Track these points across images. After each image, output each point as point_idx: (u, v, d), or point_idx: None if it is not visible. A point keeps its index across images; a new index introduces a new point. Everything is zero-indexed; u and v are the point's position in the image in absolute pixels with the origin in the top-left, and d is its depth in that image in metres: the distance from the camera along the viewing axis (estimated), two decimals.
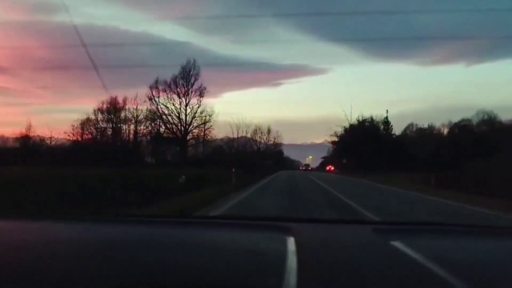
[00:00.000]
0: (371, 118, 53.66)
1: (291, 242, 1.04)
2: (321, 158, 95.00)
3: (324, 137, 66.72)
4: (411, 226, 1.61)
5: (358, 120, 54.39)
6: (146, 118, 49.55)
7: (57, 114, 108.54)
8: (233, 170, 20.85)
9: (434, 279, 0.80)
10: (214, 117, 50.18)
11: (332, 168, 65.67)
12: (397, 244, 1.06)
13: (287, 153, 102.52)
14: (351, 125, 54.51)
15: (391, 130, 53.67)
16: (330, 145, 66.41)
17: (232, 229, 1.41)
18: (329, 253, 1.00)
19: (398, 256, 0.97)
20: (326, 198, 14.16)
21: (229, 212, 9.33)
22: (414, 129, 59.07)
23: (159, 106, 48.73)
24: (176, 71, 49.11)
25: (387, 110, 64.97)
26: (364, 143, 47.37)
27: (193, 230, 1.38)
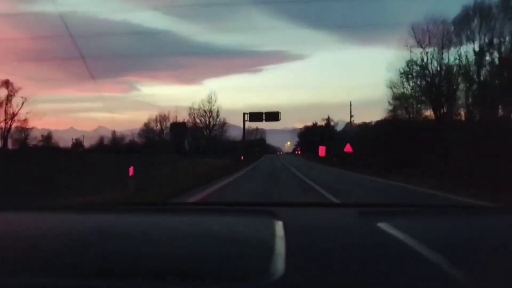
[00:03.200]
0: (328, 117, 78.22)
1: (279, 227, 1.04)
2: (294, 145, 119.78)
3: (305, 123, 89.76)
4: (396, 208, 1.68)
5: (313, 123, 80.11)
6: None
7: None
8: (242, 157, 37.25)
9: (418, 257, 0.82)
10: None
11: (299, 152, 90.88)
12: (383, 225, 1.07)
13: (269, 137, 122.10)
14: (308, 127, 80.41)
15: (336, 127, 78.25)
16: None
17: (219, 214, 1.42)
18: (317, 237, 1.02)
19: (385, 237, 0.99)
20: (280, 162, 40.99)
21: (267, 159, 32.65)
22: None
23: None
24: (160, 60, 65.38)
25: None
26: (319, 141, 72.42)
27: (179, 217, 1.37)
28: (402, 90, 30.80)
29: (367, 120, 50.81)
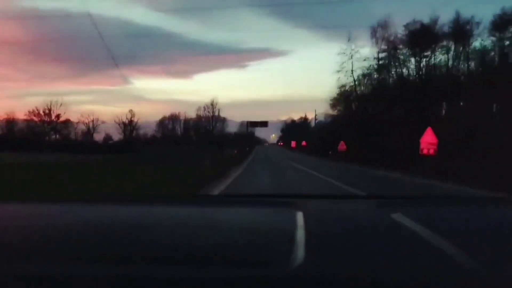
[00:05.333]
0: (305, 115, 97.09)
1: (299, 217, 1.06)
2: (278, 137, 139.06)
3: (289, 115, 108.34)
4: (411, 199, 1.73)
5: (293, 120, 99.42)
6: None
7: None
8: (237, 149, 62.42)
9: (432, 247, 0.84)
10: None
11: (282, 143, 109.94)
12: (398, 216, 1.09)
13: (256, 130, 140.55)
14: (288, 123, 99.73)
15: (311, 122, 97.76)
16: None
17: (239, 206, 1.45)
18: (335, 227, 1.04)
19: (400, 228, 1.01)
20: (268, 150, 61.35)
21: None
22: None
23: None
24: (150, 55, 64.84)
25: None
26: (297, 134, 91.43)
27: (203, 208, 1.40)
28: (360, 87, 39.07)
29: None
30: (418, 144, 16.74)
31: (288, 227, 0.98)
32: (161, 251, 0.83)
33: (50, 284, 0.69)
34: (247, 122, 54.25)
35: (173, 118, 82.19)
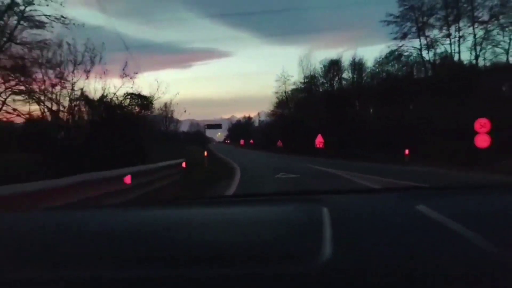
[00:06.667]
0: (249, 116, 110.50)
1: (325, 212, 1.06)
2: (224, 135, 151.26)
3: (232, 113, 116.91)
4: (433, 190, 1.74)
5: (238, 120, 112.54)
6: None
7: None
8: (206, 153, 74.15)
9: (456, 237, 0.85)
10: None
11: (229, 142, 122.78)
12: (421, 208, 1.10)
13: (201, 128, 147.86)
14: (234, 124, 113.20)
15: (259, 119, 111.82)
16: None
17: (266, 204, 1.46)
18: (360, 221, 1.04)
19: (423, 219, 1.02)
20: (219, 147, 73.56)
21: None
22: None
23: None
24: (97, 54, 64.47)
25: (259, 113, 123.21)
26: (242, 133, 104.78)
27: (225, 208, 1.41)
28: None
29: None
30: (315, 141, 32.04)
31: (314, 223, 0.98)
32: (190, 251, 0.84)
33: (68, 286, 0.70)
34: (205, 125, 65.71)
35: None
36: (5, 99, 13.39)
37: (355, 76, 44.76)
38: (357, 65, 44.01)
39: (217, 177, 13.94)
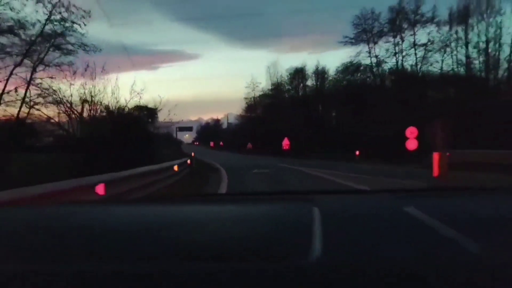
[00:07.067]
0: (217, 118, 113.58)
1: (315, 212, 1.07)
2: (193, 137, 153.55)
3: (199, 115, 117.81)
4: (421, 192, 1.77)
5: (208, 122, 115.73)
6: None
7: None
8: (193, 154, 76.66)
9: (444, 238, 0.86)
10: None
11: (197, 143, 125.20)
12: (410, 209, 1.11)
13: (170, 130, 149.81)
14: (203, 126, 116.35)
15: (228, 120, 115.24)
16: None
17: (257, 203, 1.48)
18: (350, 221, 1.06)
19: (411, 220, 1.04)
20: (191, 147, 74.11)
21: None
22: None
23: None
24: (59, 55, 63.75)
25: (230, 115, 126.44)
26: (211, 135, 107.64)
27: (217, 206, 1.41)
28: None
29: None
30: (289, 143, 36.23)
31: (305, 222, 0.99)
32: (182, 247, 0.84)
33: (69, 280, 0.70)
34: (176, 127, 68.39)
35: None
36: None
37: (318, 83, 49.10)
38: (320, 73, 48.39)
39: (210, 170, 19.57)
